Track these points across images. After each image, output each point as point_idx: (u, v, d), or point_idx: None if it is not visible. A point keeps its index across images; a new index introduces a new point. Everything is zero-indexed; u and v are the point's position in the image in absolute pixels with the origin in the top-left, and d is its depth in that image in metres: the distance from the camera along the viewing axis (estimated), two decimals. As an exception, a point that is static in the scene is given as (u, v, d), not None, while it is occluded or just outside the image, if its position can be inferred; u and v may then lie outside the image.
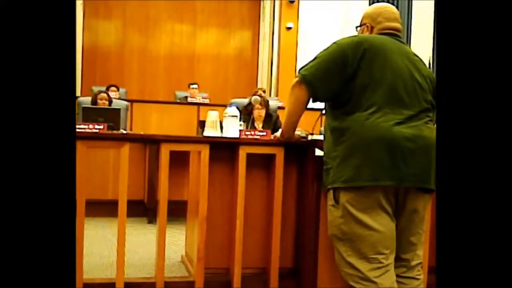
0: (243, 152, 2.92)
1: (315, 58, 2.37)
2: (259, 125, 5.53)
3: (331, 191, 2.33)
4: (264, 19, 10.66)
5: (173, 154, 2.86)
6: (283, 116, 2.62)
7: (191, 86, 8.60)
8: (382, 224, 2.23)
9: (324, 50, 2.37)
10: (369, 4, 8.69)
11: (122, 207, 2.79)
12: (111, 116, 4.61)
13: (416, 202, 2.29)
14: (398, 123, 2.22)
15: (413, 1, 10.29)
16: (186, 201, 3.57)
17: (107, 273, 3.37)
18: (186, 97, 8.41)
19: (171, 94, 9.25)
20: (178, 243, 3.95)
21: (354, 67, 2.27)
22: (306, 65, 2.38)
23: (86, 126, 2.81)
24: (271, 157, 3.00)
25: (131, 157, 2.82)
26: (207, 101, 8.08)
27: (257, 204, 3.05)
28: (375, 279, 2.21)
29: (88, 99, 5.95)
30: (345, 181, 2.24)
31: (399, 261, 2.34)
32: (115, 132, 3.82)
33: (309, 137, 2.97)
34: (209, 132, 3.22)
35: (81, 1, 9.55)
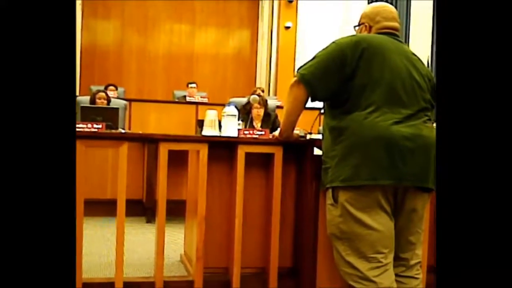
0: (241, 151, 2.92)
1: (313, 58, 2.37)
2: (257, 124, 5.53)
3: (330, 190, 2.33)
4: (262, 19, 10.66)
5: (171, 153, 2.86)
6: (281, 115, 2.61)
7: (190, 86, 8.60)
8: (381, 223, 2.23)
9: (323, 49, 2.37)
10: (368, 4, 8.69)
11: (121, 207, 2.78)
12: (110, 115, 4.60)
13: (415, 201, 2.29)
14: (397, 122, 2.22)
15: (411, 1, 10.30)
16: (185, 200, 3.56)
17: (106, 273, 3.37)
18: (185, 96, 8.41)
19: (169, 93, 9.25)
20: (177, 243, 3.95)
21: (352, 66, 2.27)
22: (304, 64, 2.38)
23: (85, 126, 2.81)
24: (269, 156, 3.00)
25: (129, 157, 2.82)
26: (205, 100, 8.08)
27: (256, 204, 3.05)
28: (374, 278, 2.21)
29: (87, 98, 5.95)
30: (343, 180, 2.24)
31: (398, 260, 2.34)
32: (113, 131, 3.81)
33: (308, 136, 2.96)
34: (207, 131, 3.22)
35: (80, 1, 9.54)
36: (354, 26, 2.61)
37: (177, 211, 3.50)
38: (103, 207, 4.49)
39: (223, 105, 3.63)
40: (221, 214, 3.04)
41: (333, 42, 2.37)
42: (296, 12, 10.51)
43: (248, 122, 5.52)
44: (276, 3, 10.49)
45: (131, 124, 6.86)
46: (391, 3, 3.52)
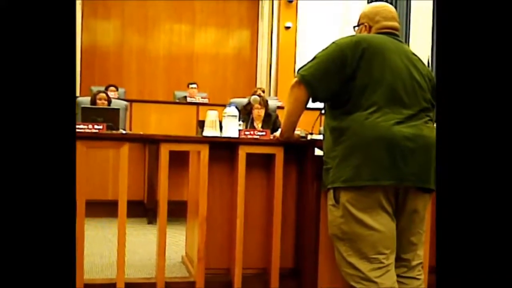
0: (242, 152, 2.92)
1: (314, 58, 2.37)
2: (258, 124, 5.53)
3: (331, 191, 2.33)
4: (262, 19, 10.66)
5: (172, 154, 2.86)
6: (282, 116, 2.62)
7: (190, 86, 8.60)
8: (382, 224, 2.23)
9: (323, 50, 2.37)
10: (368, 3, 8.70)
11: (122, 208, 2.78)
12: (110, 116, 4.60)
13: (416, 202, 2.29)
14: (398, 123, 2.22)
15: (411, 1, 10.29)
16: (186, 201, 3.57)
17: (108, 274, 3.37)
18: (185, 97, 8.41)
19: (170, 94, 9.24)
20: (179, 244, 3.95)
21: (353, 67, 2.27)
22: (305, 65, 2.38)
23: (86, 126, 2.81)
24: (270, 157, 3.00)
25: (130, 157, 2.82)
26: (206, 101, 8.08)
27: (257, 204, 3.05)
28: (375, 279, 2.21)
29: (87, 99, 5.95)
30: (345, 181, 2.24)
31: (400, 261, 2.34)
32: (114, 132, 3.82)
33: (309, 137, 2.96)
34: (208, 132, 3.22)
35: (80, 1, 9.54)
36: (354, 27, 2.61)
37: (178, 212, 3.50)
38: (104, 208, 4.50)
39: (224, 105, 3.64)
40: (222, 214, 3.05)
41: (333, 43, 2.37)
42: (296, 12, 10.51)
43: (249, 123, 5.52)
44: (276, 3, 10.48)
45: (132, 125, 6.85)
46: (391, 3, 3.52)
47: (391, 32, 2.45)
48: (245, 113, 5.48)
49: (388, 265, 2.25)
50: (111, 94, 7.04)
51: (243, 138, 2.97)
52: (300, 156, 2.99)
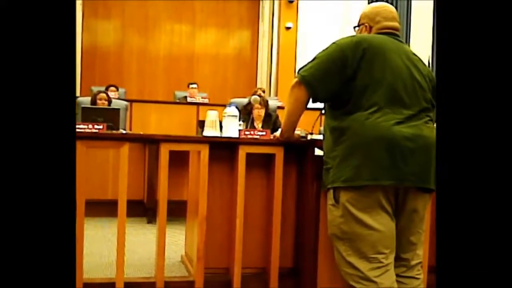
0: (242, 151, 2.92)
1: (314, 59, 2.37)
2: (258, 124, 5.53)
3: (331, 191, 2.33)
4: (263, 19, 10.65)
5: (172, 154, 2.86)
6: (282, 116, 2.62)
7: (191, 86, 8.60)
8: (382, 223, 2.23)
9: (323, 50, 2.37)
10: (368, 4, 8.71)
11: (122, 207, 2.79)
12: (111, 116, 4.60)
13: (416, 202, 2.29)
14: (398, 123, 2.22)
15: (412, 1, 10.29)
16: (186, 201, 3.57)
17: (107, 273, 3.37)
18: (186, 97, 8.41)
19: (170, 94, 9.24)
20: (178, 243, 3.95)
21: (353, 67, 2.27)
22: (305, 65, 2.38)
23: (86, 126, 2.81)
24: (270, 157, 3.00)
25: (130, 157, 2.82)
26: (206, 101, 8.08)
27: (256, 204, 3.05)
28: (375, 279, 2.22)
29: (88, 99, 5.95)
30: (345, 181, 2.24)
31: (399, 260, 2.34)
32: (114, 132, 3.82)
33: (309, 137, 2.96)
34: (208, 132, 3.22)
35: (80, 1, 9.54)
36: (354, 27, 2.61)
37: (178, 211, 3.50)
38: (104, 208, 4.50)
39: (224, 105, 3.64)
40: (222, 214, 3.05)
41: (334, 43, 2.37)
42: (297, 12, 10.50)
43: (249, 123, 5.52)
44: (276, 3, 10.48)
45: (132, 124, 6.86)
46: (391, 3, 3.52)
47: (391, 32, 2.45)
48: (245, 113, 5.48)
49: (387, 264, 2.25)
50: (111, 94, 7.04)
51: (243, 138, 2.97)
52: (300, 156, 2.99)
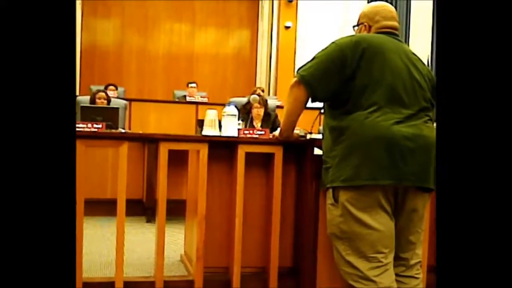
0: (241, 151, 2.92)
1: (313, 58, 2.37)
2: (257, 124, 5.53)
3: (331, 190, 2.33)
4: (262, 18, 10.66)
5: (171, 153, 2.86)
6: (281, 115, 2.62)
7: (190, 85, 8.60)
8: (381, 223, 2.23)
9: (323, 50, 2.37)
10: (368, 3, 8.70)
11: (121, 206, 2.79)
12: (110, 115, 4.60)
13: (415, 201, 2.29)
14: (398, 122, 2.22)
15: (412, 1, 10.30)
16: (185, 200, 3.56)
17: (106, 272, 3.37)
18: (185, 96, 8.41)
19: (169, 93, 9.25)
20: (177, 242, 3.95)
21: (353, 67, 2.27)
22: (304, 65, 2.37)
23: (85, 125, 2.81)
24: (270, 156, 3.00)
25: (129, 156, 2.82)
26: (205, 100, 8.08)
27: (256, 203, 3.05)
28: (374, 278, 2.22)
29: (87, 98, 5.95)
30: (344, 180, 2.24)
31: (398, 260, 2.34)
32: (113, 131, 3.82)
33: (308, 136, 2.96)
34: (207, 131, 3.22)
35: (80, 1, 9.54)
36: (353, 26, 2.60)
37: (177, 210, 3.50)
38: (103, 207, 4.49)
39: (223, 105, 3.63)
40: (221, 213, 3.05)
41: (333, 43, 2.37)
42: (296, 12, 10.51)
43: (248, 122, 5.52)
44: (276, 3, 10.49)
45: (131, 124, 6.86)
46: (391, 3, 3.52)
47: (390, 32, 2.45)
48: (245, 112, 5.48)
49: (386, 264, 2.25)
50: (111, 93, 7.04)
51: (242, 137, 2.97)
52: (299, 155, 2.99)
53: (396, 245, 2.30)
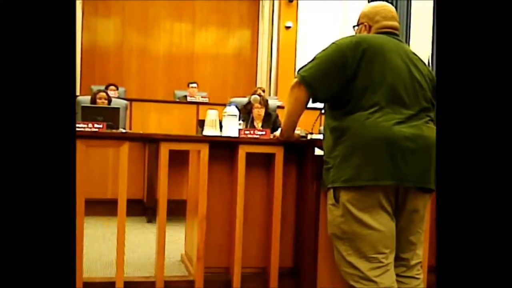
0: (242, 151, 2.92)
1: (314, 59, 2.36)
2: (258, 124, 5.53)
3: (331, 190, 2.33)
4: (263, 18, 10.66)
5: (172, 153, 2.86)
6: (282, 115, 2.62)
7: (190, 85, 8.60)
8: (382, 223, 2.23)
9: (323, 50, 2.37)
10: (368, 3, 8.68)
11: (122, 206, 2.78)
12: (110, 115, 4.60)
13: (416, 202, 2.29)
14: (399, 123, 2.22)
15: (412, 1, 10.29)
16: (186, 200, 3.57)
17: (107, 272, 3.37)
18: (186, 96, 8.41)
19: (170, 93, 9.24)
20: (178, 242, 3.95)
21: (353, 68, 2.27)
22: (305, 65, 2.37)
23: (86, 125, 2.81)
24: (270, 156, 2.99)
25: (130, 156, 2.82)
26: (206, 100, 8.08)
27: (256, 204, 3.05)
28: (375, 279, 2.22)
29: (87, 98, 5.95)
30: (345, 181, 2.24)
31: (399, 260, 2.34)
32: (114, 131, 3.82)
33: (309, 136, 2.96)
34: (208, 131, 3.22)
35: (80, 0, 9.54)
36: (353, 26, 2.60)
37: (177, 211, 3.50)
38: (104, 207, 4.49)
39: (224, 105, 3.63)
40: (222, 214, 3.04)
41: (333, 43, 2.37)
42: (297, 11, 10.51)
43: (249, 122, 5.52)
44: (276, 3, 10.49)
45: (132, 124, 6.86)
46: (391, 3, 3.51)
47: (391, 32, 2.45)
48: (245, 112, 5.48)
49: (387, 264, 2.25)
50: (111, 93, 7.04)
51: (243, 138, 2.97)
52: (300, 155, 2.99)
53: (396, 246, 2.30)
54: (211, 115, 3.27)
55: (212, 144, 2.92)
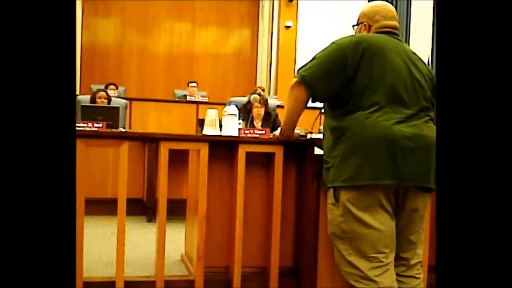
0: (242, 150, 2.92)
1: (314, 58, 2.36)
2: (258, 123, 5.53)
3: (331, 190, 2.33)
4: (263, 18, 10.66)
5: (172, 152, 2.86)
6: (282, 115, 2.62)
7: (190, 85, 8.60)
8: (382, 223, 2.23)
9: (323, 50, 2.36)
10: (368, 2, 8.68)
11: (122, 206, 2.78)
12: (110, 114, 4.59)
13: (416, 201, 2.29)
14: (399, 122, 2.22)
15: (412, 1, 10.29)
16: (186, 199, 3.57)
17: (107, 272, 3.37)
18: (185, 95, 8.41)
19: (170, 92, 9.25)
20: (178, 242, 3.95)
21: (353, 67, 2.26)
22: (305, 65, 2.37)
23: (85, 125, 2.81)
24: (270, 156, 2.99)
25: (130, 156, 2.82)
26: (206, 99, 8.08)
27: (256, 203, 3.05)
28: (375, 278, 2.21)
29: (87, 97, 5.95)
30: (345, 180, 2.24)
31: (399, 260, 2.34)
32: (114, 130, 3.81)
33: (308, 136, 2.96)
34: (208, 130, 3.22)
35: (80, 0, 9.54)
36: (353, 26, 2.60)
37: (177, 210, 3.50)
38: (103, 206, 4.50)
39: (224, 104, 3.64)
40: (222, 213, 3.05)
41: (333, 43, 2.36)
42: (297, 11, 10.52)
43: (249, 122, 5.52)
44: (276, 2, 10.49)
45: (132, 123, 6.86)
46: (391, 3, 3.51)
47: (391, 31, 2.45)
48: (245, 111, 5.48)
49: (387, 264, 2.25)
50: (111, 92, 7.03)
51: (243, 137, 2.97)
52: (300, 155, 2.99)
53: (396, 245, 2.30)
54: (211, 114, 3.27)
55: (212, 143, 2.92)
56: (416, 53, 2.46)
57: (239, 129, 3.08)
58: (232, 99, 5.71)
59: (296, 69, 2.44)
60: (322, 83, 2.31)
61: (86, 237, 2.79)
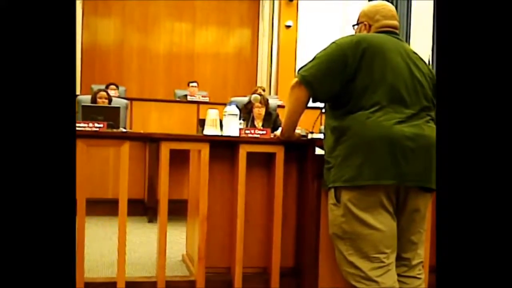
0: (243, 150, 2.91)
1: (314, 58, 2.36)
2: (259, 123, 5.53)
3: (332, 190, 2.33)
4: (263, 17, 10.66)
5: (173, 152, 2.86)
6: (282, 115, 2.62)
7: (191, 85, 8.60)
8: (383, 223, 2.23)
9: (323, 50, 2.36)
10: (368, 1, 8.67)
11: (123, 206, 2.78)
12: (111, 114, 4.60)
13: (417, 201, 2.29)
14: (400, 122, 2.21)
15: (412, 1, 10.29)
16: (187, 200, 3.56)
17: (108, 272, 3.37)
18: (186, 95, 8.41)
19: (170, 92, 9.25)
20: (179, 242, 3.95)
21: (354, 67, 2.26)
22: (305, 65, 2.37)
23: (86, 125, 2.81)
24: (271, 156, 2.99)
25: (131, 156, 2.82)
26: (206, 99, 8.07)
27: (257, 203, 3.05)
28: (376, 278, 2.21)
29: (88, 97, 5.95)
30: (346, 180, 2.24)
31: (400, 260, 2.33)
32: (114, 130, 3.82)
33: (309, 136, 2.96)
34: (209, 130, 3.22)
35: (80, 0, 9.54)
36: (353, 25, 2.60)
37: (178, 210, 3.50)
38: (104, 207, 4.50)
39: (224, 104, 3.63)
40: (223, 213, 3.04)
41: (333, 42, 2.36)
42: (297, 11, 10.52)
43: (250, 122, 5.51)
44: (276, 2, 10.50)
45: (132, 123, 6.86)
46: (392, 2, 3.51)
47: (391, 31, 2.45)
48: (246, 111, 5.48)
49: (389, 264, 2.24)
50: (112, 92, 7.02)
51: (244, 137, 2.97)
52: (301, 155, 2.99)
53: (398, 245, 2.30)
54: (211, 114, 3.27)
55: (212, 143, 2.92)
56: (417, 52, 2.46)
57: (240, 129, 3.08)
58: (233, 99, 5.71)
59: (297, 69, 2.44)
60: (322, 83, 2.31)
61: (87, 237, 2.79)
